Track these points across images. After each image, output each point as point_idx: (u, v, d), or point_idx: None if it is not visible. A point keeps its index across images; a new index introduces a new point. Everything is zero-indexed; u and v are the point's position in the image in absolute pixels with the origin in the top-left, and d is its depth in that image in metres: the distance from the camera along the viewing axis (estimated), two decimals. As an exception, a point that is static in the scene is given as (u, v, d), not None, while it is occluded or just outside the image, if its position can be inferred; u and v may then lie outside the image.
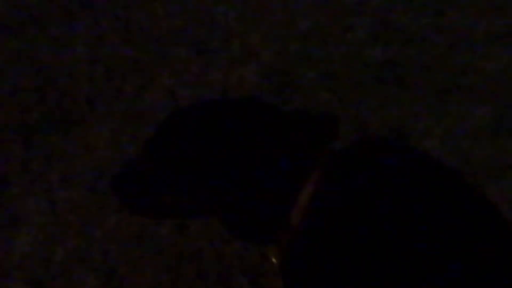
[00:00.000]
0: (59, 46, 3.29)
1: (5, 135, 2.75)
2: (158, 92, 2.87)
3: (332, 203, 1.19)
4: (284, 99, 2.67)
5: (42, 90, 3.02)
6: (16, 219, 2.32)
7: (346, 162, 1.22)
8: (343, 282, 1.16)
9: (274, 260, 1.29)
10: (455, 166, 1.24)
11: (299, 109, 1.35)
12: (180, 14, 3.41)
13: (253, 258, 1.98)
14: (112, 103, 2.85)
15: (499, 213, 1.22)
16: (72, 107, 2.87)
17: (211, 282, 1.99)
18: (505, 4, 3.03)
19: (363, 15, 3.19)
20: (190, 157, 1.23)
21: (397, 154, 1.28)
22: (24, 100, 2.97)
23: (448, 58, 2.82)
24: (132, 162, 1.36)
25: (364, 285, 1.14)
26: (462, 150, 2.34)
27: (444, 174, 1.25)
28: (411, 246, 1.13)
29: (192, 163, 1.23)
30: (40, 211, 2.34)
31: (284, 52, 3.02)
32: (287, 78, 2.84)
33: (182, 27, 3.32)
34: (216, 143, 1.23)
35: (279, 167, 1.22)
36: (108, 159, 2.52)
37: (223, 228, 1.27)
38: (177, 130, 1.27)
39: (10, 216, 2.34)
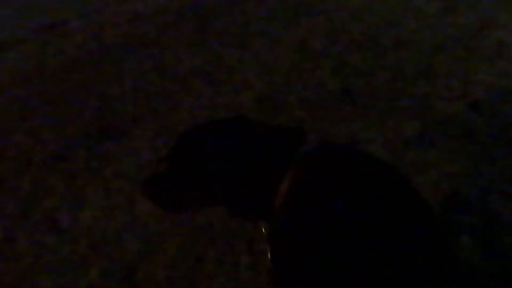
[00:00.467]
0: (112, 80, 3.32)
1: (74, 143, 2.74)
2: (183, 112, 2.87)
3: (305, 191, 1.19)
4: (271, 117, 2.65)
5: (100, 110, 3.03)
6: (82, 202, 2.31)
7: (314, 160, 1.23)
8: (312, 248, 1.17)
9: (263, 231, 1.28)
10: (391, 164, 1.23)
11: (282, 124, 1.36)
12: (197, 57, 3.44)
13: (250, 229, 1.97)
14: (150, 119, 2.85)
15: (424, 199, 1.23)
16: (121, 122, 2.88)
17: (220, 246, 1.98)
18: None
19: (328, 57, 3.24)
20: (205, 159, 1.24)
21: (349, 156, 1.29)
22: (87, 117, 2.98)
23: (387, 87, 2.84)
24: (164, 162, 1.36)
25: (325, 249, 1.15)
26: (397, 152, 2.32)
27: (383, 169, 1.25)
28: (361, 224, 1.14)
29: (206, 162, 1.24)
30: (98, 196, 2.34)
31: (272, 83, 3.03)
32: (274, 102, 2.85)
33: (199, 66, 3.34)
34: (224, 149, 1.24)
35: (266, 166, 1.24)
36: (147, 160, 2.51)
37: (228, 209, 1.28)
38: (196, 139, 1.28)
39: (76, 199, 2.33)
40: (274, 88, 2.99)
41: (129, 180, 2.40)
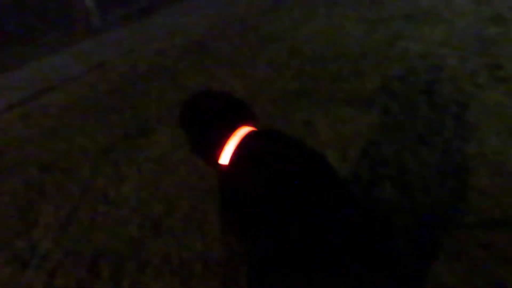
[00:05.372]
0: (143, 95, 3.22)
1: (116, 140, 2.66)
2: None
3: (246, 149, 1.06)
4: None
5: (134, 116, 2.93)
6: (123, 179, 2.23)
7: (258, 133, 1.10)
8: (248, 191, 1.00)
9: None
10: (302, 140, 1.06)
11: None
12: (199, 75, 3.33)
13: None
14: (168, 121, 2.75)
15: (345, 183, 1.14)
16: (149, 123, 2.78)
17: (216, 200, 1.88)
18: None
19: (288, 68, 3.11)
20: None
21: (278, 134, 1.12)
22: (126, 121, 2.89)
23: (329, 86, 2.73)
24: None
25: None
26: (336, 129, 2.21)
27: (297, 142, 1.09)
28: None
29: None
30: (134, 175, 2.25)
31: (249, 88, 2.88)
32: (251, 101, 2.71)
33: (201, 81, 3.21)
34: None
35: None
36: (167, 148, 2.42)
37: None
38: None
39: (119, 178, 2.25)
40: (252, 91, 2.88)
41: (155, 162, 2.31)
